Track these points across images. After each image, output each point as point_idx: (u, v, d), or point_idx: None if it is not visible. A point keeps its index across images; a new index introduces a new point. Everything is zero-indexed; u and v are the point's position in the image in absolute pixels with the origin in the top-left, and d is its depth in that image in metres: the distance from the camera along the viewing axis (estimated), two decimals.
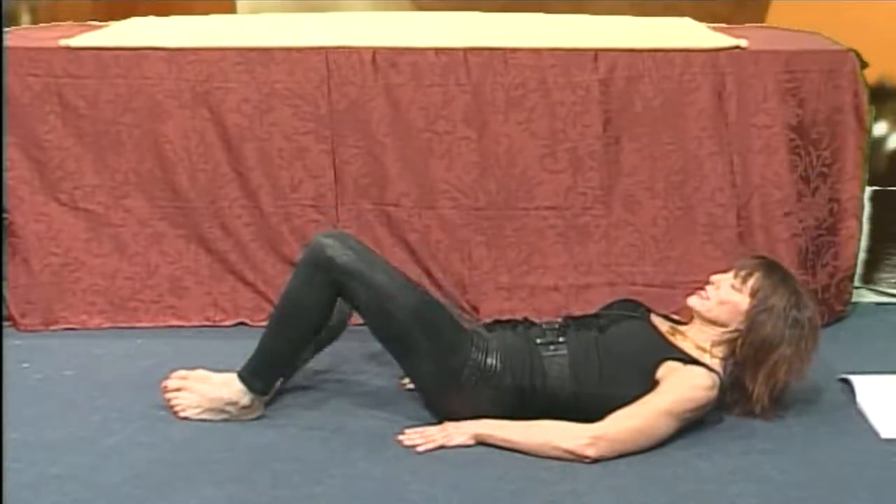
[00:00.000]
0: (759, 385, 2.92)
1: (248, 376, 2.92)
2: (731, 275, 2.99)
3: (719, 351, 2.95)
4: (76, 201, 3.64)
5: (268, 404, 2.99)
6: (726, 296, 2.96)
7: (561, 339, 2.91)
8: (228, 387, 2.92)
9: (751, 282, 2.96)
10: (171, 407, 2.95)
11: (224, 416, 2.92)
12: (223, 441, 2.84)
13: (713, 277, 3.02)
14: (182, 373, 2.98)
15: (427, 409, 2.94)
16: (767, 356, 2.91)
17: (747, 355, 2.92)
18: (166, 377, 3.00)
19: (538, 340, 2.91)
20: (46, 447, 2.79)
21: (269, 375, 2.94)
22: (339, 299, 2.93)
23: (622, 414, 2.79)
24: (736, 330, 2.94)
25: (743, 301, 2.95)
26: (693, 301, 3.00)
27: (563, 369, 2.87)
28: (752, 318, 2.92)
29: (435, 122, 3.62)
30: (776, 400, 2.97)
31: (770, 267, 3.01)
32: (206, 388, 2.94)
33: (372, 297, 2.85)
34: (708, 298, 2.98)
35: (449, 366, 2.85)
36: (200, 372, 2.98)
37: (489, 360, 2.86)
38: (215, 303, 3.68)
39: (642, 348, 2.90)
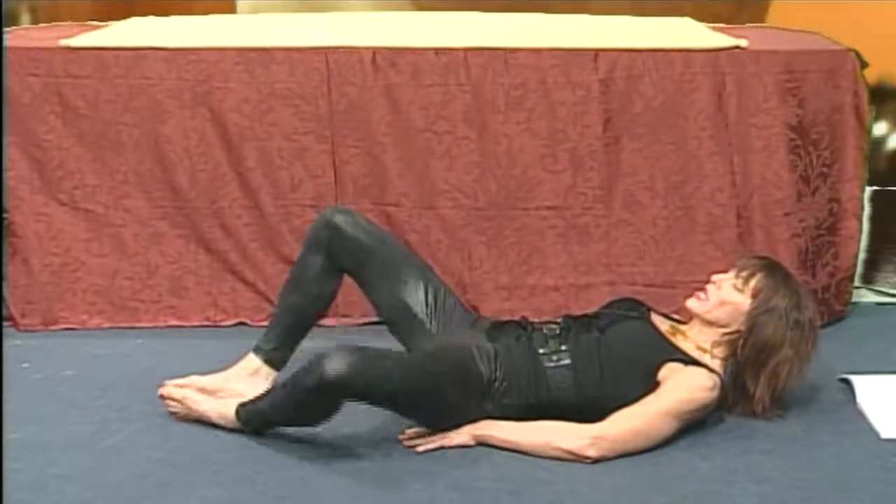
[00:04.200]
0: (760, 386, 2.93)
1: (246, 420, 2.85)
2: (732, 274, 2.99)
3: (720, 351, 2.94)
4: (76, 201, 3.64)
5: None
6: (727, 296, 2.96)
7: (563, 348, 2.89)
8: (224, 419, 2.88)
9: (752, 282, 2.95)
10: (171, 413, 2.94)
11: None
12: (223, 441, 2.84)
13: (714, 277, 3.02)
14: (176, 382, 2.97)
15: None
16: (769, 358, 2.91)
17: (749, 357, 2.92)
18: (166, 378, 3.00)
19: (541, 351, 2.89)
20: (46, 447, 2.79)
21: (267, 427, 2.88)
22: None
23: (623, 414, 2.79)
24: (737, 331, 2.94)
25: (745, 302, 2.94)
26: (692, 304, 2.99)
27: (566, 380, 2.85)
28: (754, 319, 2.92)
29: (435, 122, 3.62)
30: (777, 400, 2.97)
31: (771, 268, 3.01)
32: (205, 409, 2.91)
33: (378, 401, 2.77)
34: (706, 300, 2.97)
35: (458, 410, 2.83)
36: (194, 378, 2.98)
37: (496, 383, 2.84)
38: (215, 303, 3.68)
39: (643, 349, 2.90)
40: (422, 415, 2.85)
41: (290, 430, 2.88)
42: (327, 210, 3.11)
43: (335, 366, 2.63)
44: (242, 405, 2.86)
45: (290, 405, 2.76)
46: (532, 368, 2.87)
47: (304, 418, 2.79)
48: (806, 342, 2.94)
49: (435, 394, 2.79)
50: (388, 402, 2.78)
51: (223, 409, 2.89)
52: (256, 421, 2.84)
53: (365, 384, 2.67)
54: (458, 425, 2.84)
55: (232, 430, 2.87)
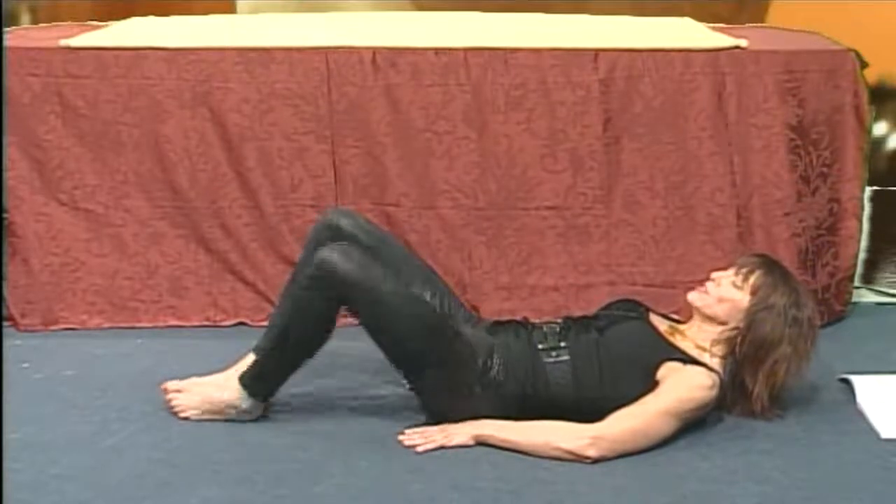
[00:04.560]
0: (759, 384, 2.93)
1: (250, 382, 2.91)
2: (731, 272, 2.99)
3: (719, 349, 2.94)
4: (76, 201, 3.64)
5: (268, 405, 2.98)
6: (727, 293, 2.96)
7: (563, 344, 2.90)
8: (229, 390, 2.91)
9: (752, 279, 2.96)
10: (172, 408, 2.95)
11: (225, 416, 2.92)
12: (223, 441, 2.84)
13: (714, 274, 3.02)
14: (175, 383, 2.98)
15: (427, 415, 2.93)
16: (767, 355, 2.91)
17: (747, 354, 2.92)
18: (166, 378, 3.01)
19: (540, 346, 2.90)
20: (46, 447, 2.79)
21: (272, 382, 2.93)
22: None
23: (622, 414, 2.79)
24: (735, 328, 2.94)
25: (743, 299, 2.95)
26: (692, 296, 3.00)
27: (565, 375, 2.86)
28: (752, 316, 2.92)
29: (435, 122, 3.62)
30: (776, 399, 2.97)
31: (770, 265, 3.01)
32: (207, 390, 2.94)
33: (375, 312, 2.84)
34: (707, 294, 2.98)
35: (453, 378, 2.85)
36: (193, 380, 2.98)
37: (493, 371, 2.86)
38: (215, 303, 3.68)
39: (642, 349, 2.90)
40: (408, 358, 2.86)
41: (292, 427, 2.89)
42: (329, 211, 3.12)
43: (330, 252, 2.81)
44: (244, 372, 2.91)
45: (289, 313, 2.86)
46: (531, 362, 2.88)
47: (304, 329, 2.85)
48: (804, 340, 2.94)
49: (425, 333, 2.83)
50: (376, 313, 2.82)
51: (225, 382, 2.92)
52: (260, 374, 2.89)
53: (357, 273, 2.79)
54: (448, 406, 2.86)
55: (229, 420, 2.90)
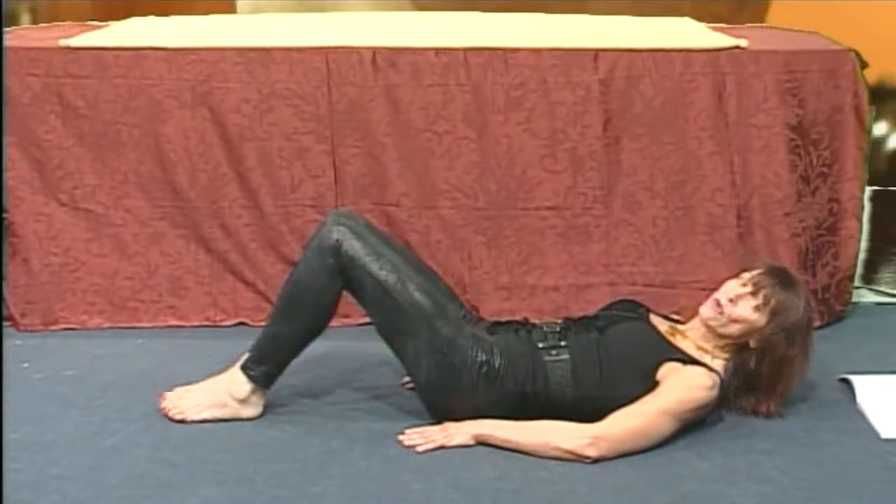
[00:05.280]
0: (776, 397, 2.94)
1: (251, 365, 2.92)
2: (748, 290, 2.92)
3: (723, 353, 2.93)
4: (76, 201, 3.64)
5: (268, 405, 2.99)
6: (744, 314, 2.90)
7: (563, 343, 2.90)
8: (229, 381, 2.92)
9: (773, 303, 2.90)
10: (169, 413, 2.94)
11: (225, 411, 2.92)
12: (223, 441, 2.84)
13: (730, 289, 2.95)
14: (173, 395, 2.99)
15: (427, 410, 2.94)
16: (783, 370, 2.92)
17: (765, 375, 2.92)
18: (166, 378, 3.01)
19: (540, 345, 2.90)
20: (46, 447, 2.79)
21: (272, 367, 2.93)
22: None
23: (622, 414, 2.79)
24: (746, 342, 2.92)
25: (759, 320, 2.90)
26: (706, 313, 2.93)
27: (564, 374, 2.86)
28: (769, 337, 2.90)
29: (435, 122, 3.62)
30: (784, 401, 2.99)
31: (785, 283, 2.95)
32: (207, 383, 2.94)
33: (376, 286, 2.86)
34: (721, 313, 2.92)
35: (449, 363, 2.85)
36: (190, 387, 2.99)
37: (491, 362, 2.86)
38: (215, 303, 3.69)
39: (642, 349, 2.90)
40: (407, 338, 2.87)
41: (291, 427, 2.89)
42: (331, 213, 3.11)
43: (337, 226, 2.90)
44: (246, 359, 2.93)
45: (292, 288, 2.90)
46: (531, 360, 2.88)
47: (306, 305, 2.88)
48: (811, 340, 2.95)
49: (423, 312, 2.85)
50: (377, 289, 2.86)
51: (225, 376, 2.93)
52: (261, 356, 2.91)
53: (362, 247, 2.88)
54: (448, 404, 2.86)
55: (229, 419, 2.90)
